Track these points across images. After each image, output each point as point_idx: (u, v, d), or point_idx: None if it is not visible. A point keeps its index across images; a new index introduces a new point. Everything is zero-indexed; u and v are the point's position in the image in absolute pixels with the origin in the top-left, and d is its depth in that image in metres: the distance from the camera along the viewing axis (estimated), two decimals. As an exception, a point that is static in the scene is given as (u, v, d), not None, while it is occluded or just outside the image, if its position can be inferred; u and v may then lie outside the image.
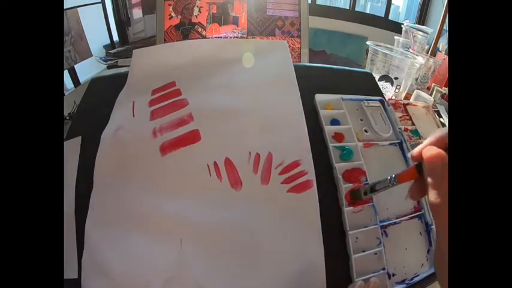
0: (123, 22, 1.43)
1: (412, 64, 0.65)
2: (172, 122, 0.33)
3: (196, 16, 0.61)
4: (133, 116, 0.35)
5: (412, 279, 0.29)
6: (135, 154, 0.32)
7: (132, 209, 0.29)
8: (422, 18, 1.87)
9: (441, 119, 0.59)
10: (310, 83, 0.38)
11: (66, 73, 1.07)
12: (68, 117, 0.73)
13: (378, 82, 0.47)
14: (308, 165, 0.31)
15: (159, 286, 0.25)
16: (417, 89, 0.71)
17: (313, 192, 0.29)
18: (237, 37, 0.60)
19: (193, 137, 0.32)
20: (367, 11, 2.13)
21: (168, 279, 0.25)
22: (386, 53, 0.66)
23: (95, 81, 0.42)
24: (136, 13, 1.45)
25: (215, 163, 0.30)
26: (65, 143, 0.34)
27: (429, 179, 0.19)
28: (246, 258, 0.26)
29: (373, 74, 0.45)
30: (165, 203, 0.29)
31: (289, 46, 0.55)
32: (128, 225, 0.28)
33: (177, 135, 0.32)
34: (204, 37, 0.60)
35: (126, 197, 0.29)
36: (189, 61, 0.39)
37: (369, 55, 0.70)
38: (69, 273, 0.26)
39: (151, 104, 0.35)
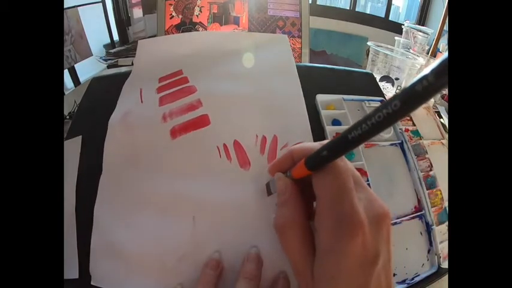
0: (123, 21, 1.43)
1: (413, 65, 0.65)
2: (182, 107, 0.34)
3: (197, 16, 0.61)
4: (142, 102, 0.35)
5: (412, 279, 0.30)
6: (145, 137, 0.32)
7: (143, 190, 0.29)
8: (422, 18, 1.87)
9: (441, 120, 0.59)
10: (311, 83, 0.38)
11: (66, 72, 1.07)
12: (68, 117, 0.73)
13: (379, 83, 0.47)
14: None
15: (174, 264, 0.25)
16: (417, 89, 0.71)
17: None
18: (238, 37, 0.60)
19: (202, 121, 0.33)
20: (368, 12, 2.14)
21: (182, 256, 0.26)
22: (387, 54, 0.66)
23: (95, 81, 0.42)
24: (137, 12, 1.45)
25: (224, 145, 0.31)
26: (65, 142, 0.34)
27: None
28: (256, 233, 0.27)
29: (374, 74, 0.45)
30: (177, 182, 0.29)
31: (290, 46, 0.55)
32: (139, 206, 0.28)
33: (186, 119, 0.33)
34: (205, 37, 0.60)
35: (136, 178, 0.30)
36: (194, 51, 0.40)
37: (370, 55, 0.70)
38: (70, 273, 0.26)
39: (160, 91, 0.36)
